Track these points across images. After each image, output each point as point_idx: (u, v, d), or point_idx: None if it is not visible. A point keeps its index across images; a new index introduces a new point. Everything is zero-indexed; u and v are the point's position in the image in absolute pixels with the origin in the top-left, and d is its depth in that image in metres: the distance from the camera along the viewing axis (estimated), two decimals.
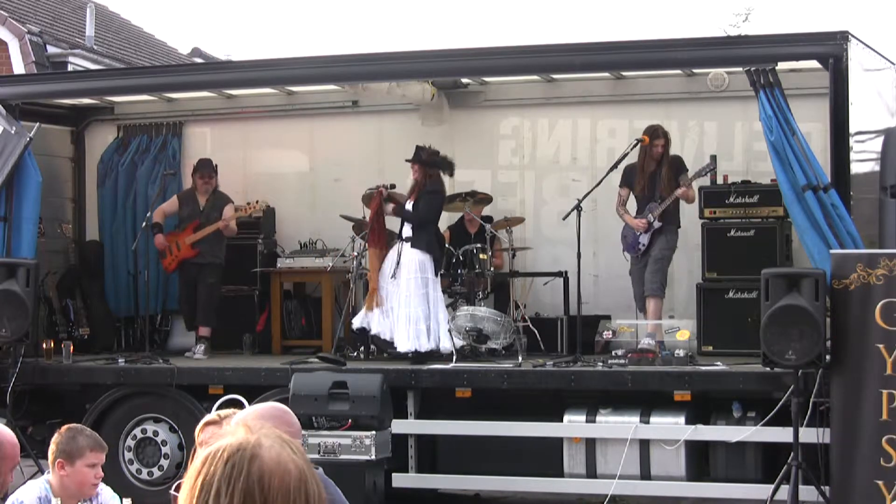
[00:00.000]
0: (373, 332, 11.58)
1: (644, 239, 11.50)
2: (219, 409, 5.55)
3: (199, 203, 12.94)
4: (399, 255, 11.52)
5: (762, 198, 11.56)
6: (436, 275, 11.57)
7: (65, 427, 6.17)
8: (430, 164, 11.65)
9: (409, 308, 11.36)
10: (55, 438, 6.08)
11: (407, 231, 11.60)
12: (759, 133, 10.70)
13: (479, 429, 10.71)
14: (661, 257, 11.48)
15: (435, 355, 11.32)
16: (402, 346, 11.35)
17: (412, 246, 11.49)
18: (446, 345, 11.28)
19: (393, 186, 11.92)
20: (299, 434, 4.87)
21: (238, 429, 2.54)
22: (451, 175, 11.93)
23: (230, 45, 55.52)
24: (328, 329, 12.71)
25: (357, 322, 11.64)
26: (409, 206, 11.62)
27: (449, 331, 11.34)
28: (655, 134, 11.47)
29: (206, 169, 12.95)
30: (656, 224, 11.45)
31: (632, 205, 11.71)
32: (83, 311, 13.45)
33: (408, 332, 11.32)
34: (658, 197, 11.47)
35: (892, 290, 9.35)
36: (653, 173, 11.48)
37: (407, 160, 11.75)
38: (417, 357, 11.26)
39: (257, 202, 12.96)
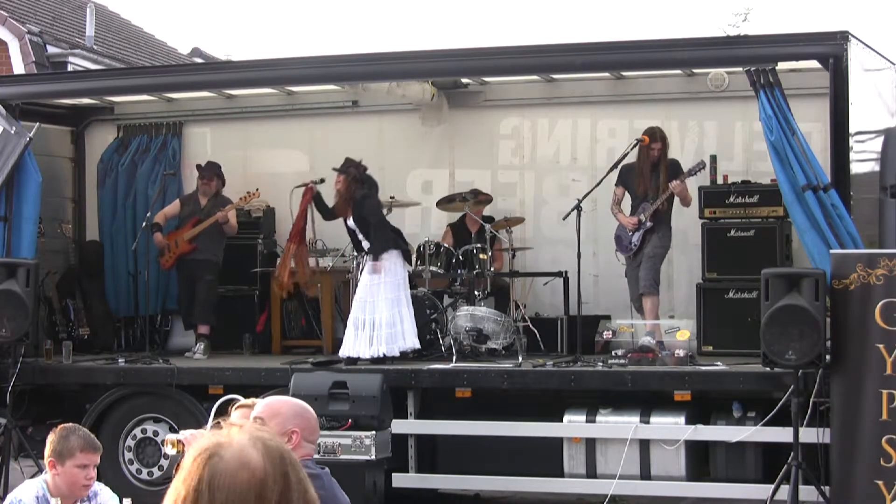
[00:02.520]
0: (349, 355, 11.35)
1: (636, 238, 11.50)
2: (219, 408, 5.55)
3: (199, 203, 12.95)
4: (362, 268, 11.43)
5: (762, 198, 11.56)
6: (410, 265, 11.58)
7: (60, 426, 6.16)
8: (359, 180, 11.48)
9: (374, 314, 11.16)
10: (49, 437, 6.08)
11: (364, 243, 11.47)
12: (759, 133, 10.70)
13: (479, 429, 10.71)
14: (653, 255, 11.48)
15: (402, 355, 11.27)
16: (364, 351, 11.16)
17: (382, 251, 11.29)
18: (416, 342, 11.23)
19: (322, 181, 11.86)
20: (317, 430, 4.96)
21: (222, 428, 2.58)
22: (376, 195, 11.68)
23: (230, 45, 55.59)
24: (328, 329, 12.70)
25: (344, 351, 11.34)
26: (350, 222, 11.50)
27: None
28: (653, 137, 11.45)
29: (206, 171, 12.95)
30: (647, 224, 11.45)
31: (627, 205, 11.70)
32: (83, 311, 13.45)
33: (371, 337, 11.14)
34: (651, 198, 11.47)
35: (892, 290, 9.35)
36: (649, 176, 11.48)
37: (334, 168, 11.64)
38: (380, 360, 11.16)
39: (257, 190, 12.91)
